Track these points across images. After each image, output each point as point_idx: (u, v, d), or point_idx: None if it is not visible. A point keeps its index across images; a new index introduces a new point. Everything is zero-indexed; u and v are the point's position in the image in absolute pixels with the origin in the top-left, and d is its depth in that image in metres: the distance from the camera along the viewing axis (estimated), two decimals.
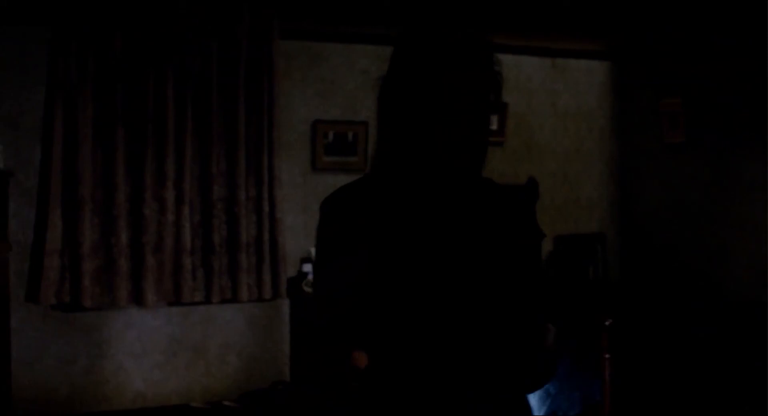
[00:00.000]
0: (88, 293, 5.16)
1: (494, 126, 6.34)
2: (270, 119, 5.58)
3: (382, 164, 2.04)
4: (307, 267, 5.73)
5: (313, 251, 5.72)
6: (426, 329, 1.96)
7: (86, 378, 5.38)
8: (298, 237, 5.83)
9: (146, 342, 5.52)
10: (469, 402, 1.97)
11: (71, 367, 5.35)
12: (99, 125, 5.22)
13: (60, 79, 5.09)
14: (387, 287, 1.96)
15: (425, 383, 1.96)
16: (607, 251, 6.60)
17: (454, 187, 2.01)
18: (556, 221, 6.61)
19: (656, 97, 6.39)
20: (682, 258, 6.28)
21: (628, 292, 6.53)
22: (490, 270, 1.98)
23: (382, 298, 1.96)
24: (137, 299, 5.32)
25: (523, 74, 6.52)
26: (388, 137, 2.02)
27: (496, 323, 1.98)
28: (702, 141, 6.10)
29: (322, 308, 2.04)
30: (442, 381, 1.96)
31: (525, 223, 2.07)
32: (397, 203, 2.00)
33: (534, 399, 4.44)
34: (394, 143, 2.00)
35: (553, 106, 6.64)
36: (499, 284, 1.98)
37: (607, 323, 4.08)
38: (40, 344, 5.28)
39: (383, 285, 1.96)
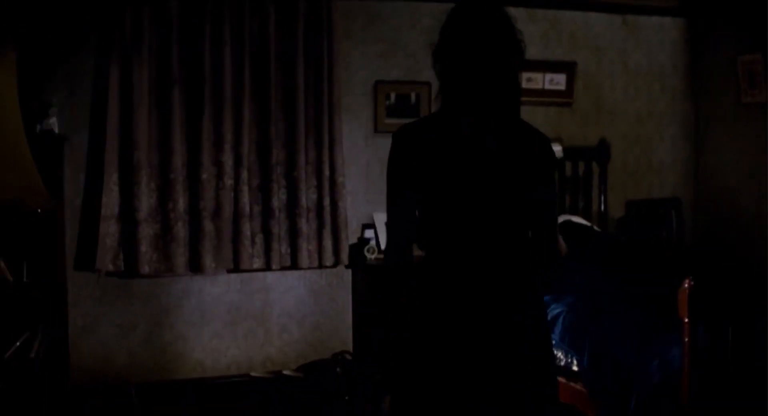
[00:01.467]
0: (145, 260, 5.05)
1: (562, 86, 6.11)
2: (330, 81, 5.41)
3: (443, 106, 2.70)
4: (369, 233, 5.56)
5: (375, 216, 5.57)
6: (471, 232, 2.66)
7: (145, 347, 5.29)
8: (359, 202, 5.67)
9: (205, 311, 5.41)
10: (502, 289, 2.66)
11: (129, 335, 5.25)
12: (155, 87, 5.10)
13: (114, 40, 4.96)
14: (442, 201, 2.65)
15: (470, 269, 2.66)
16: (682, 217, 6.31)
17: (495, 125, 2.65)
18: (628, 186, 6.35)
19: (734, 54, 6.08)
20: (760, 225, 5.99)
21: (705, 258, 6.26)
22: (518, 187, 2.64)
23: (439, 208, 2.66)
24: (195, 266, 5.20)
25: (592, 32, 6.25)
26: (443, 87, 2.70)
27: (521, 227, 2.70)
28: None
29: (391, 218, 2.70)
30: (483, 269, 2.66)
31: (547, 156, 2.72)
32: (449, 138, 2.64)
33: (609, 367, 4.23)
34: (447, 91, 2.67)
35: (624, 65, 6.35)
36: (524, 198, 2.66)
37: (686, 285, 3.84)
38: (97, 311, 5.19)
39: (440, 199, 2.65)
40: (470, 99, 2.63)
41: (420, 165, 2.63)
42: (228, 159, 5.20)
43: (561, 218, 5.57)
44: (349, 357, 5.50)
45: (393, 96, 5.68)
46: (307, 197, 5.38)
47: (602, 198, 6.17)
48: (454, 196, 2.64)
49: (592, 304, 4.80)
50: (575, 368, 4.52)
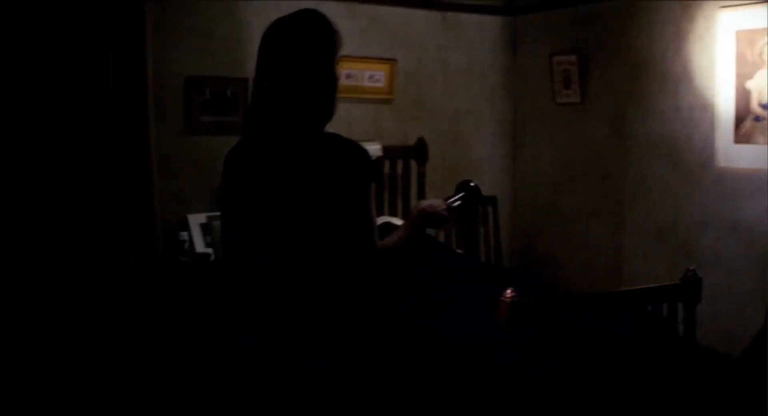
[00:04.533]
0: None
1: (382, 83, 6.04)
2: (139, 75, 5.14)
3: (249, 122, 2.71)
4: (184, 236, 5.32)
5: (189, 217, 5.36)
6: (290, 255, 2.63)
7: None
8: (173, 201, 5.40)
9: None
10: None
11: None
12: None
13: None
14: (256, 229, 2.61)
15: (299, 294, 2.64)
16: (497, 214, 6.37)
17: (300, 142, 2.61)
18: (447, 183, 6.34)
19: (550, 54, 6.16)
20: (574, 219, 6.13)
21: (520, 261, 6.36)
22: (332, 207, 2.63)
23: (259, 242, 2.63)
24: None
25: (413, 29, 6.19)
26: (253, 99, 2.70)
27: (338, 246, 2.67)
28: (597, 101, 5.91)
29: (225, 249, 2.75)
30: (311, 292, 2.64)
31: (359, 170, 2.69)
32: (255, 160, 2.60)
33: None
34: (255, 103, 2.67)
35: (443, 63, 6.34)
36: (339, 217, 2.66)
37: (508, 294, 3.83)
38: None
39: (254, 228, 2.61)
40: (268, 115, 2.61)
41: (232, 194, 2.64)
42: None
43: (381, 220, 5.50)
44: None
45: (208, 92, 5.46)
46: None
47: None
48: (264, 224, 2.62)
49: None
50: None
